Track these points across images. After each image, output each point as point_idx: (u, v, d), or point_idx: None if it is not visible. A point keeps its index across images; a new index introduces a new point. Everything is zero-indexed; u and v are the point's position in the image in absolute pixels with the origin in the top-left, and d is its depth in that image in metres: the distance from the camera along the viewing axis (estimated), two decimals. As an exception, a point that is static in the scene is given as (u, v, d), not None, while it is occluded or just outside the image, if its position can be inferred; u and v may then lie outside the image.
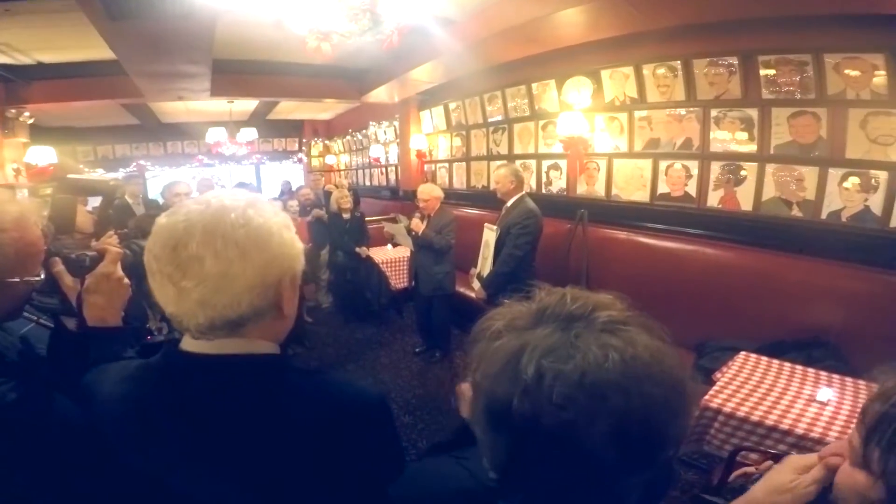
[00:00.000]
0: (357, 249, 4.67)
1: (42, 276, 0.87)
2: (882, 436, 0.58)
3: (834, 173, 2.60)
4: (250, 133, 7.56)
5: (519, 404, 0.47)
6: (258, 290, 0.66)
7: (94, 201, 3.51)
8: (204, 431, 0.68)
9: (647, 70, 3.36)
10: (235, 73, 5.13)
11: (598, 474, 0.47)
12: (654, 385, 0.46)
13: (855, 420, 0.67)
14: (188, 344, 0.70)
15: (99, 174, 8.18)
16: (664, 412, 0.47)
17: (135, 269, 1.00)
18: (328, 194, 5.56)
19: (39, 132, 5.75)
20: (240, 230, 0.64)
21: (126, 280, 0.97)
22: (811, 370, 2.12)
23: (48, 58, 4.40)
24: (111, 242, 1.13)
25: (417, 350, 4.09)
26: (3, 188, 4.20)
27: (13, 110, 4.92)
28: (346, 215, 4.76)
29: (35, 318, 1.08)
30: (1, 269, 0.79)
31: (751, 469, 0.92)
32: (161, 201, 4.16)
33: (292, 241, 0.71)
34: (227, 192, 0.71)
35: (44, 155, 5.07)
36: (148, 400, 0.71)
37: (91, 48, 3.95)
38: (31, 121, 5.22)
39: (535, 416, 0.46)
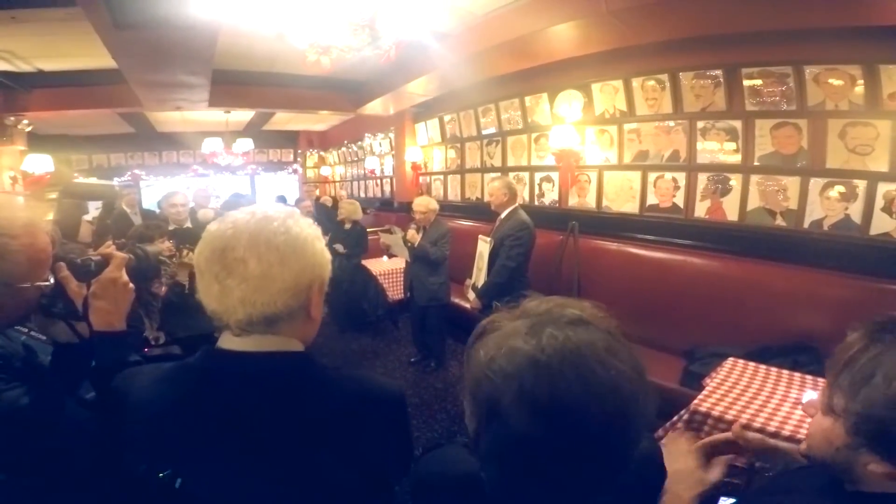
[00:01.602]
0: (335, 246, 4.66)
1: (52, 281, 0.88)
2: (843, 380, 0.64)
3: (815, 183, 2.69)
4: (246, 143, 7.59)
5: (475, 375, 0.57)
6: (292, 291, 0.73)
7: (94, 211, 3.52)
8: (243, 421, 0.72)
9: (635, 83, 3.46)
10: (233, 83, 5.19)
11: (525, 448, 0.53)
12: (566, 365, 0.52)
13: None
14: (228, 342, 0.76)
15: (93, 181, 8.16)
16: (574, 391, 0.51)
17: (138, 273, 1.03)
18: (321, 206, 5.60)
19: (35, 140, 5.75)
20: (280, 237, 0.73)
21: (131, 285, 0.99)
22: (797, 374, 2.17)
23: (48, 66, 4.43)
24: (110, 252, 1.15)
25: (413, 360, 4.10)
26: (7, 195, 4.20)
27: (12, 118, 4.94)
28: (347, 225, 4.79)
29: (26, 329, 1.07)
30: (13, 275, 0.79)
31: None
32: (157, 211, 4.18)
33: (322, 251, 0.79)
34: (268, 204, 0.79)
35: (41, 163, 5.07)
36: (188, 397, 0.76)
37: (92, 57, 3.99)
38: (29, 128, 5.23)
39: (481, 384, 0.56)
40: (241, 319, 0.73)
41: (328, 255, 0.81)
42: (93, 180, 7.98)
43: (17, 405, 0.79)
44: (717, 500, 0.95)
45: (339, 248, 4.68)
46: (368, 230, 5.26)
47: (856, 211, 2.56)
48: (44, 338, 1.06)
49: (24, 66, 4.35)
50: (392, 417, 0.81)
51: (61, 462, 0.86)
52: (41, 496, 0.91)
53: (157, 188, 8.24)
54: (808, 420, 0.75)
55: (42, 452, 0.83)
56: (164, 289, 2.30)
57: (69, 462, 0.87)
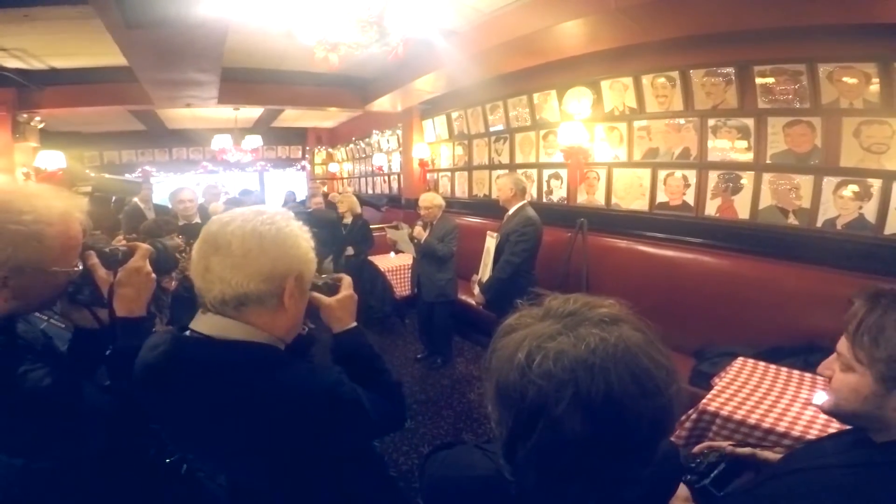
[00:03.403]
0: (350, 252, 4.69)
1: (80, 268, 0.94)
2: (863, 335, 0.75)
3: (829, 182, 2.66)
4: (255, 140, 7.63)
5: (514, 381, 0.55)
6: (266, 276, 0.81)
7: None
8: (193, 400, 0.81)
9: (645, 80, 3.43)
10: (242, 81, 5.21)
11: (574, 449, 0.53)
12: (620, 366, 0.52)
13: None
14: (197, 322, 0.84)
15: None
16: (630, 391, 0.52)
17: (157, 265, 1.08)
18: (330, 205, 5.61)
19: (47, 136, 5.82)
20: (265, 226, 0.82)
21: (153, 275, 1.05)
22: (807, 374, 2.14)
23: (61, 63, 4.48)
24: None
25: (419, 356, 4.12)
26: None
27: (25, 115, 4.99)
28: (347, 220, 4.79)
29: (46, 317, 1.14)
30: (46, 260, 0.85)
31: (719, 444, 1.00)
32: (169, 206, 4.22)
33: (306, 249, 0.87)
34: (271, 206, 0.89)
35: (53, 159, 5.14)
36: (157, 367, 0.84)
37: (103, 55, 4.03)
38: (41, 125, 5.30)
39: (524, 390, 0.54)
40: (216, 297, 0.80)
41: (312, 255, 0.89)
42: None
43: (41, 385, 0.83)
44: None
45: (350, 250, 4.69)
46: (377, 226, 5.27)
47: (870, 210, 2.52)
48: (62, 326, 1.12)
49: (37, 64, 4.40)
50: (323, 409, 0.83)
51: (77, 445, 0.91)
52: (56, 480, 0.95)
53: (166, 184, 8.31)
54: (818, 389, 0.83)
55: (59, 434, 0.87)
56: (174, 283, 2.33)
57: (84, 445, 0.91)
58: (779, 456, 0.98)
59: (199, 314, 0.84)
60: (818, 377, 2.12)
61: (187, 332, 0.85)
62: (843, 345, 0.79)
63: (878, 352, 0.72)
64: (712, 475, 0.95)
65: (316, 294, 1.00)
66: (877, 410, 0.73)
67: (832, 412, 0.82)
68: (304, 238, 0.87)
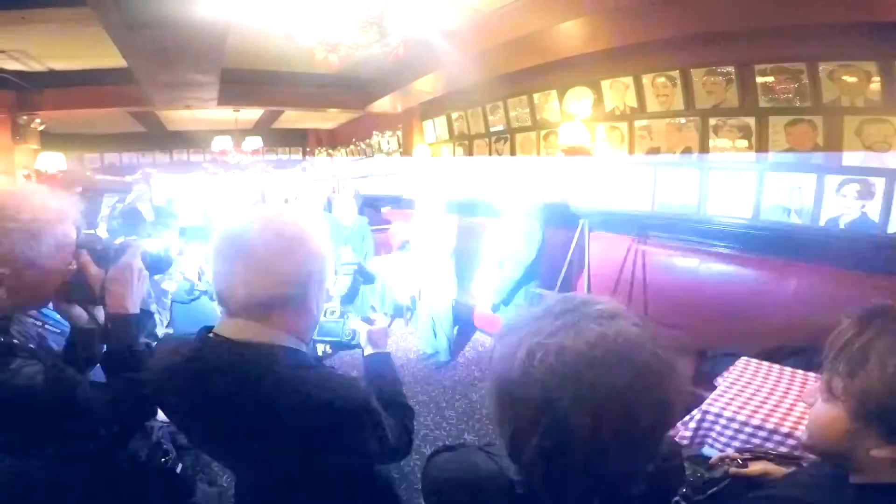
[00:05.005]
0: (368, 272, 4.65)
1: (75, 266, 0.95)
2: (840, 364, 0.65)
3: (831, 180, 2.65)
4: (255, 142, 7.63)
5: (516, 379, 0.55)
6: (290, 278, 0.80)
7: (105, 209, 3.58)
8: (219, 401, 0.78)
9: (646, 80, 3.42)
10: (242, 82, 5.20)
11: (580, 444, 0.53)
12: (621, 359, 0.53)
13: None
14: (222, 326, 0.83)
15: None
16: (632, 383, 0.52)
17: (150, 265, 1.09)
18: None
19: (48, 138, 5.81)
20: (289, 228, 0.81)
21: (145, 272, 1.05)
22: (812, 374, 2.13)
23: (60, 65, 4.48)
24: None
25: (421, 357, 4.10)
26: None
27: (25, 117, 5.00)
28: (346, 222, 4.76)
29: (40, 323, 1.14)
30: (43, 257, 0.86)
31: (735, 457, 0.97)
32: (169, 208, 4.22)
33: (328, 251, 0.88)
34: (286, 205, 0.86)
35: (54, 161, 5.14)
36: (181, 373, 0.83)
37: (102, 56, 4.02)
38: (41, 128, 5.30)
39: (527, 388, 0.54)
40: (240, 301, 0.78)
41: (332, 256, 0.89)
42: (108, 177, 8.08)
43: (34, 381, 0.83)
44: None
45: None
46: (376, 227, 5.25)
47: (873, 209, 2.52)
48: (58, 331, 1.12)
49: (36, 66, 4.40)
50: (352, 422, 0.81)
51: (70, 443, 0.90)
52: (49, 479, 0.95)
53: (167, 186, 8.30)
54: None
55: (52, 431, 0.87)
56: (174, 285, 2.33)
57: (78, 443, 0.91)
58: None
59: (224, 318, 0.83)
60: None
61: (211, 335, 0.83)
62: (823, 374, 0.71)
63: (853, 384, 0.63)
64: (708, 493, 0.92)
65: (361, 322, 1.13)
66: (851, 451, 0.65)
67: (806, 448, 0.74)
68: (325, 239, 0.87)
